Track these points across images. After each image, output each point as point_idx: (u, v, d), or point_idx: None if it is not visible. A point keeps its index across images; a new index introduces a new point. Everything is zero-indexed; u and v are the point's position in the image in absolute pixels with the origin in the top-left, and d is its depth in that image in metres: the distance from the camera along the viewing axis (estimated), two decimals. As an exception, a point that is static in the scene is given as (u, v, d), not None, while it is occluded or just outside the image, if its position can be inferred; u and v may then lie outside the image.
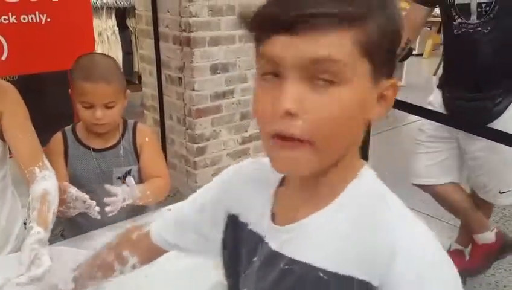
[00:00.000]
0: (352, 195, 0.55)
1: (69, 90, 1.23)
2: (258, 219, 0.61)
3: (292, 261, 0.55)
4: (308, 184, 0.56)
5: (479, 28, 1.65)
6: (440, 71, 1.91)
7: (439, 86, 1.88)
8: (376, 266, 0.50)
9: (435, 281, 0.50)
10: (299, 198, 0.57)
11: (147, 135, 1.35)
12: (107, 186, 1.12)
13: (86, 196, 1.11)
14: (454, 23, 1.71)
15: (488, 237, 1.88)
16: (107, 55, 1.44)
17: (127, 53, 3.97)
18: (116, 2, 3.79)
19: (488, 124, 1.69)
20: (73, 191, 1.10)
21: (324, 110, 0.48)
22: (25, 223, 1.18)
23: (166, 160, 2.78)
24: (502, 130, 1.62)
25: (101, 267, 0.81)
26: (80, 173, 1.26)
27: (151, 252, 0.79)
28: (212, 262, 0.75)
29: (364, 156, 1.76)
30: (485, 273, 2.05)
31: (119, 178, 1.27)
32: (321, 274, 0.52)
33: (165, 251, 0.78)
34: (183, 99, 2.63)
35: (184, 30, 2.48)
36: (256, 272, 0.59)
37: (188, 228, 0.73)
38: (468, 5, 1.65)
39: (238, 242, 0.64)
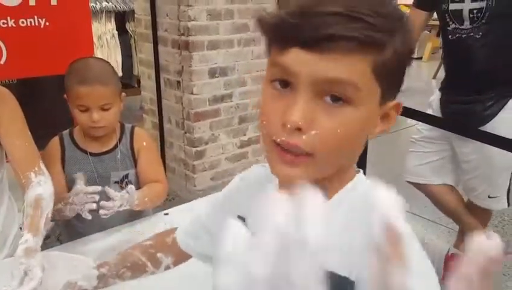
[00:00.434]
0: (345, 198, 0.57)
1: (64, 95, 1.24)
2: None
3: None
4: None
5: (472, 34, 1.68)
6: (440, 74, 1.95)
7: (439, 89, 1.91)
8: (354, 261, 0.51)
9: None
10: None
11: (144, 139, 1.35)
12: (107, 188, 1.12)
13: (96, 188, 1.12)
14: (449, 28, 1.74)
15: None
16: (101, 59, 1.45)
17: (127, 57, 3.97)
18: (115, 6, 3.80)
19: (480, 127, 1.72)
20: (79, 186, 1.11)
21: (330, 129, 0.49)
22: (20, 228, 1.18)
23: (165, 164, 2.80)
24: (493, 133, 1.64)
25: (131, 268, 0.82)
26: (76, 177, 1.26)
27: (184, 255, 0.82)
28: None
29: (363, 159, 1.78)
30: (483, 278, 2.04)
31: (116, 182, 1.27)
32: None
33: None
34: (182, 103, 2.64)
35: (183, 34, 2.49)
36: None
37: (204, 231, 0.77)
38: (461, 11, 1.68)
39: None
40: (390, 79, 0.51)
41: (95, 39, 3.65)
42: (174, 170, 2.82)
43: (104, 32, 3.75)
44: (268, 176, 0.61)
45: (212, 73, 2.59)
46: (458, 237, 2.11)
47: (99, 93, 1.18)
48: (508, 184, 1.85)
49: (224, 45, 2.60)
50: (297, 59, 0.48)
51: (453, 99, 1.83)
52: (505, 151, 1.65)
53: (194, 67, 2.51)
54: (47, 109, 2.64)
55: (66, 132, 1.31)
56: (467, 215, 1.91)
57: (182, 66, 2.56)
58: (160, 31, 2.65)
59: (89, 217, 1.11)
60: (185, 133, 2.68)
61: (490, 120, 1.73)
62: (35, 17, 2.04)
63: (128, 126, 1.34)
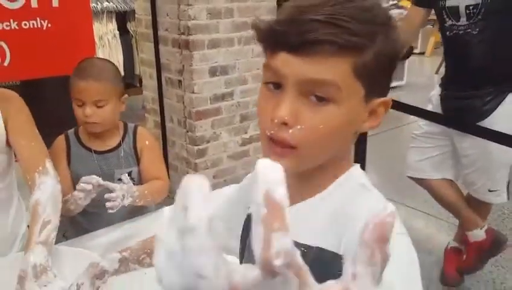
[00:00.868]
0: (337, 188, 0.61)
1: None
2: None
3: None
4: (301, 180, 0.62)
5: (469, 30, 1.69)
6: (442, 69, 1.97)
7: (440, 84, 1.93)
8: (342, 238, 0.55)
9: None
10: (291, 189, 0.62)
11: (147, 138, 1.38)
12: (105, 182, 1.15)
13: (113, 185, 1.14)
14: (446, 25, 1.76)
15: (478, 234, 1.92)
16: (108, 60, 1.48)
17: (128, 56, 4.00)
18: (116, 6, 3.83)
19: (479, 122, 1.73)
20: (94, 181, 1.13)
21: (314, 124, 0.54)
22: (28, 226, 1.21)
23: (167, 162, 2.82)
24: (491, 128, 1.66)
25: (151, 254, 0.86)
26: (81, 175, 1.28)
27: None
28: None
29: (362, 155, 1.80)
30: (483, 271, 2.06)
31: (120, 180, 1.30)
32: (302, 248, 0.57)
33: None
34: (183, 102, 2.66)
35: (183, 33, 2.51)
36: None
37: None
38: (457, 7, 1.70)
39: (249, 236, 0.69)
40: (372, 79, 0.55)
41: (96, 39, 3.67)
42: (177, 168, 2.85)
43: (105, 32, 3.77)
44: None
45: (213, 72, 2.62)
46: (458, 231, 2.12)
47: (93, 88, 1.20)
48: (508, 178, 1.87)
49: (225, 43, 2.62)
50: (285, 62, 0.54)
51: (452, 95, 1.85)
52: (503, 146, 1.67)
53: (194, 66, 2.54)
54: (50, 110, 2.68)
55: (71, 131, 1.35)
56: (466, 209, 1.93)
57: (183, 65, 2.59)
58: (160, 31, 2.67)
59: (112, 210, 1.12)
60: (187, 131, 2.70)
61: (489, 115, 1.74)
62: (38, 18, 2.05)
63: (131, 125, 1.38)
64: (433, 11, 1.88)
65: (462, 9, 1.69)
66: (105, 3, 3.77)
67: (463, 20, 1.70)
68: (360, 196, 0.59)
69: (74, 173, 1.28)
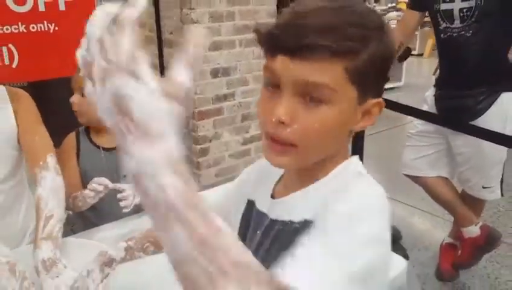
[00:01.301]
0: (332, 178, 0.65)
1: None
2: (265, 200, 0.73)
3: (278, 222, 0.67)
4: (300, 175, 0.67)
5: (463, 32, 1.75)
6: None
7: (434, 84, 1.98)
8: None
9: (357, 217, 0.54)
10: (293, 182, 0.69)
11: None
12: (115, 184, 1.21)
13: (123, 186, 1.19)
14: (440, 27, 1.81)
15: (473, 230, 1.97)
16: None
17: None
18: (120, 8, 3.89)
19: (472, 121, 1.79)
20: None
21: (309, 124, 0.58)
22: None
23: (170, 161, 2.87)
24: (484, 127, 1.71)
25: (154, 243, 0.92)
26: (89, 170, 1.34)
27: None
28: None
29: (360, 154, 1.86)
30: (478, 266, 2.12)
31: (125, 176, 1.36)
32: (296, 225, 0.63)
33: None
34: (186, 103, 2.72)
35: (186, 36, 2.57)
36: (257, 241, 0.70)
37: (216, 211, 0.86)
38: (452, 10, 1.75)
39: (249, 221, 0.75)
40: (365, 81, 0.58)
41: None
42: (180, 168, 2.91)
43: (109, 34, 3.84)
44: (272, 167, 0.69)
45: (215, 73, 2.68)
46: (453, 227, 2.18)
47: (78, 77, 1.31)
48: (501, 175, 1.93)
49: (226, 46, 2.68)
50: (282, 65, 0.57)
51: (446, 95, 1.90)
52: (495, 145, 1.73)
53: (197, 67, 2.59)
54: (55, 110, 2.73)
55: (82, 128, 1.41)
56: (461, 206, 1.99)
57: (186, 67, 2.64)
58: (165, 34, 2.73)
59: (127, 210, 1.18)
60: (190, 131, 2.77)
61: (482, 114, 1.80)
62: (45, 22, 2.10)
63: None
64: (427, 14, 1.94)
65: (456, 12, 1.74)
66: (109, 6, 3.83)
67: (457, 23, 1.76)
68: (354, 181, 0.63)
69: (82, 169, 1.35)
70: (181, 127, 0.38)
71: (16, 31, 2.04)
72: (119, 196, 1.16)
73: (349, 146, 0.71)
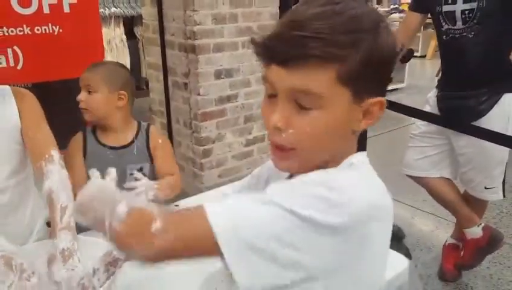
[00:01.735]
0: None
1: None
2: None
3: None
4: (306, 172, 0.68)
5: (465, 33, 1.75)
6: None
7: (436, 85, 1.99)
8: None
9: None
10: None
11: (159, 136, 1.48)
12: (127, 183, 1.22)
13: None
14: (442, 29, 1.82)
15: (475, 231, 1.97)
16: (117, 62, 1.57)
17: (135, 60, 4.09)
18: (123, 11, 3.91)
19: (475, 121, 1.79)
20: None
21: (301, 128, 0.61)
22: (47, 223, 1.27)
23: (173, 162, 2.90)
24: (486, 128, 1.71)
25: None
26: (96, 169, 1.36)
27: None
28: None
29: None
30: (480, 267, 2.12)
31: (132, 174, 1.38)
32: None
33: None
34: (189, 104, 2.74)
35: (189, 38, 2.59)
36: None
37: None
38: (454, 12, 1.76)
39: None
40: (360, 82, 0.60)
41: (104, 44, 3.76)
42: (183, 168, 2.92)
43: (113, 37, 3.87)
44: None
45: (218, 74, 2.70)
46: (456, 228, 2.18)
47: (85, 76, 1.36)
48: (504, 176, 1.93)
49: (229, 47, 2.70)
50: (275, 74, 0.61)
51: (448, 96, 1.91)
52: (498, 145, 1.73)
53: (200, 69, 2.61)
54: (57, 111, 2.74)
55: (89, 128, 1.44)
56: (463, 207, 1.99)
57: (189, 69, 2.67)
58: (167, 35, 2.75)
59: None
60: (193, 132, 2.78)
61: (484, 115, 1.80)
62: (49, 24, 2.12)
63: (144, 124, 1.47)
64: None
65: (458, 14, 1.75)
66: (113, 9, 3.86)
67: (459, 24, 1.76)
68: (337, 170, 0.64)
69: (89, 167, 1.36)
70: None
71: (21, 33, 2.06)
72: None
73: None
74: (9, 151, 1.18)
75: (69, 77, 2.13)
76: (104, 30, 3.73)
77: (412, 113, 2.05)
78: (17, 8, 2.01)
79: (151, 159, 1.44)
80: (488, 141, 1.72)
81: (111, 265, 0.92)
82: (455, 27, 1.78)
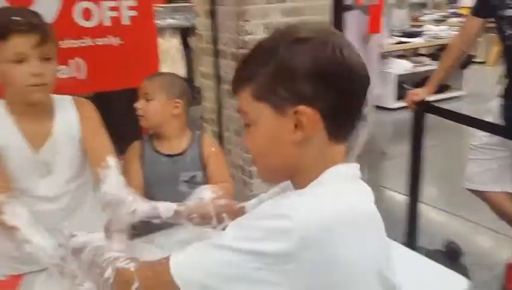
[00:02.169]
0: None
1: None
2: None
3: None
4: (293, 187, 0.75)
5: None
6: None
7: (500, 94, 1.89)
8: None
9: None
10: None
11: (212, 145, 1.51)
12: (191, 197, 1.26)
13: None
14: (505, 34, 1.73)
15: None
16: (173, 73, 1.63)
17: (189, 69, 4.20)
18: (179, 22, 4.04)
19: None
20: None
21: (248, 143, 0.73)
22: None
23: (224, 170, 2.93)
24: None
25: (201, 216, 1.06)
26: (151, 176, 1.44)
27: None
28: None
29: (416, 168, 1.78)
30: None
31: (185, 181, 1.44)
32: None
33: None
34: (240, 112, 2.76)
35: (241, 47, 2.62)
36: None
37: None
38: None
39: None
40: (271, 96, 0.67)
41: (160, 54, 3.89)
42: (233, 176, 2.95)
43: (169, 47, 4.00)
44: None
45: (269, 83, 2.70)
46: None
47: (144, 84, 1.45)
48: None
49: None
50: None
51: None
52: None
53: (251, 78, 2.63)
54: (116, 119, 2.86)
55: (146, 137, 1.51)
56: None
57: (240, 78, 2.69)
58: (220, 45, 2.81)
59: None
60: (242, 140, 2.80)
61: None
62: (110, 36, 2.23)
63: (197, 133, 1.52)
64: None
65: None
66: (169, 20, 3.99)
67: None
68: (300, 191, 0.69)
69: (145, 175, 1.43)
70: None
71: (83, 44, 2.17)
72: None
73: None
74: (70, 157, 1.25)
75: (127, 86, 2.22)
76: (160, 41, 3.86)
77: (472, 123, 1.95)
78: (80, 21, 2.12)
79: (204, 167, 1.47)
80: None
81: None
82: None
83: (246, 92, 0.69)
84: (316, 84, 0.65)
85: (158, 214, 1.12)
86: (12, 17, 1.07)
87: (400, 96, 5.11)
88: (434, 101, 2.26)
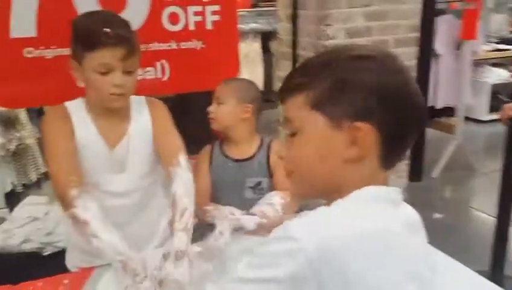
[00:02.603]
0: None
1: None
2: None
3: None
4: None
5: None
6: None
7: None
8: None
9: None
10: None
11: (280, 152, 1.48)
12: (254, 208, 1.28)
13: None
14: None
15: None
16: (246, 79, 1.65)
17: (268, 74, 4.24)
18: (262, 27, 4.10)
19: None
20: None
21: (292, 152, 0.70)
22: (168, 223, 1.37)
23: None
24: None
25: None
26: (218, 179, 1.47)
27: None
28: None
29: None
30: None
31: (250, 187, 1.44)
32: None
33: None
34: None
35: (320, 52, 2.58)
36: None
37: None
38: None
39: None
40: (330, 107, 0.64)
41: (241, 58, 3.97)
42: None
43: (250, 51, 4.07)
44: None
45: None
46: None
47: (217, 88, 1.51)
48: None
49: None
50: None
51: None
52: None
53: (330, 84, 2.58)
54: (195, 120, 2.96)
55: (217, 141, 1.54)
56: None
57: (319, 83, 2.65)
58: (299, 50, 2.79)
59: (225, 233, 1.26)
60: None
61: None
62: (194, 40, 2.29)
63: (267, 139, 1.51)
64: None
65: None
66: (253, 24, 4.06)
67: None
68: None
69: (212, 178, 1.46)
70: None
71: (169, 48, 2.25)
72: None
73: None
74: (143, 155, 1.30)
75: (207, 89, 2.28)
76: (242, 44, 3.94)
77: None
78: (167, 25, 2.21)
79: (271, 174, 1.46)
80: None
81: (235, 230, 1.07)
82: None
83: (298, 99, 0.67)
84: (377, 103, 0.63)
85: (241, 226, 1.13)
86: (104, 29, 1.10)
87: (494, 107, 4.70)
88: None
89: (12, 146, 2.75)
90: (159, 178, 1.39)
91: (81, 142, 1.21)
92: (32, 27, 1.99)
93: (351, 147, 0.64)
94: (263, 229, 1.03)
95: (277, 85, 3.74)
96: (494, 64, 5.26)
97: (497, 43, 5.30)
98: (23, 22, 1.96)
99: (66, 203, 1.10)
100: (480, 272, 1.15)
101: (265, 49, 4.22)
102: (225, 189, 1.44)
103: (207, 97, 1.62)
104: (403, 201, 0.70)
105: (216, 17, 2.30)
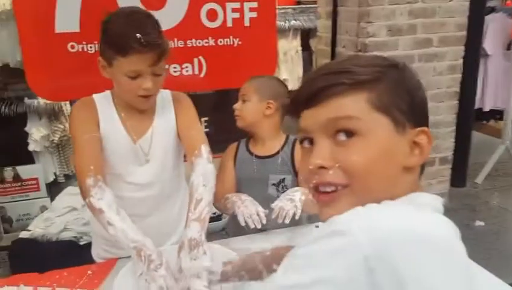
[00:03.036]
0: None
1: None
2: None
3: None
4: None
5: None
6: None
7: None
8: None
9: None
10: None
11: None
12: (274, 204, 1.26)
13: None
14: None
15: None
16: (274, 77, 1.64)
17: (307, 71, 4.18)
18: (302, 24, 4.04)
19: None
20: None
21: (348, 157, 0.58)
22: None
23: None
24: None
25: (249, 272, 0.94)
26: (242, 176, 1.47)
27: None
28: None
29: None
30: None
31: (273, 184, 1.42)
32: None
33: None
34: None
35: (360, 50, 2.51)
36: None
37: None
38: None
39: None
40: (395, 110, 0.59)
41: (280, 55, 3.94)
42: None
43: (289, 48, 4.02)
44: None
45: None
46: None
47: (242, 86, 1.49)
48: None
49: (403, 60, 2.51)
50: (306, 117, 0.62)
51: None
52: None
53: (369, 83, 2.51)
54: (227, 118, 2.96)
55: (243, 139, 1.54)
56: None
57: (357, 82, 2.58)
58: (338, 48, 2.72)
59: (251, 226, 1.24)
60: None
61: None
62: (231, 37, 2.29)
63: (292, 137, 1.48)
64: None
65: None
66: (293, 22, 4.02)
67: None
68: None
69: (237, 174, 1.47)
70: None
71: (206, 44, 2.27)
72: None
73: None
74: (167, 147, 1.31)
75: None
76: (282, 42, 3.91)
77: None
78: (206, 22, 2.22)
79: (295, 171, 1.44)
80: None
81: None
82: None
83: (358, 97, 0.59)
84: (425, 110, 0.64)
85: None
86: (136, 34, 1.09)
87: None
88: None
89: (56, 137, 2.86)
90: (182, 173, 1.40)
91: (106, 133, 1.23)
92: (76, 22, 2.06)
93: (413, 154, 0.61)
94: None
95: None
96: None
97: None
98: (68, 17, 2.04)
99: (83, 192, 1.11)
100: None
101: (305, 47, 4.16)
102: (249, 186, 1.43)
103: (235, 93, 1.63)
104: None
105: (254, 14, 2.29)
